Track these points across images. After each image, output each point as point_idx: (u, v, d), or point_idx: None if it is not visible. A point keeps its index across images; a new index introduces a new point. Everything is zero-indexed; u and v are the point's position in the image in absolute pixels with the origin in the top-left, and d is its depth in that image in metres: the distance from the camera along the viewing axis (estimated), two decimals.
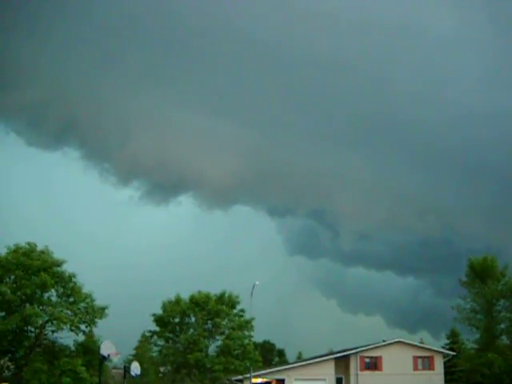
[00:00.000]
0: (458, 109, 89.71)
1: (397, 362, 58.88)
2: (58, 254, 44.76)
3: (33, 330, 43.05)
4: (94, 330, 44.82)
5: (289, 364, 70.16)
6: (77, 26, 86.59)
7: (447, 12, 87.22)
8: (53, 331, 43.70)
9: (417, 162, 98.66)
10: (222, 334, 55.32)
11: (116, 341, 39.06)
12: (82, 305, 44.17)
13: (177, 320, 55.16)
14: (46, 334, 43.92)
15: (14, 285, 42.50)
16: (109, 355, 37.93)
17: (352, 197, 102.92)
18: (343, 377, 59.54)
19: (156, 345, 56.66)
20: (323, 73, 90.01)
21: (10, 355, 43.11)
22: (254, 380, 54.20)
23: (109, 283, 72.11)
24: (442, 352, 61.74)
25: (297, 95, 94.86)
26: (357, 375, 58.50)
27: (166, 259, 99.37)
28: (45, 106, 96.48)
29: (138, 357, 56.17)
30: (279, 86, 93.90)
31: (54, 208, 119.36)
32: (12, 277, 42.90)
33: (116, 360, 43.58)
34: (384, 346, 60.01)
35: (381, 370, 58.74)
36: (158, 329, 55.36)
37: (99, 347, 38.60)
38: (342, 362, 59.70)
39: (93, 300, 44.52)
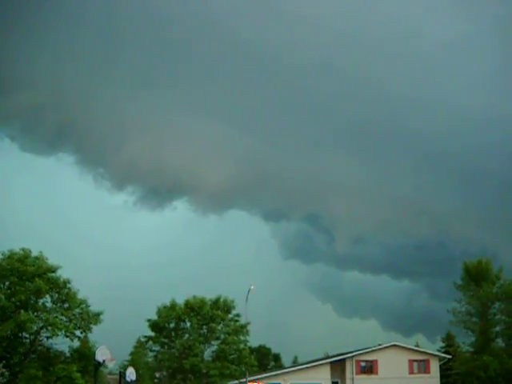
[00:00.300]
0: (454, 114, 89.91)
1: (392, 365, 59.05)
2: (52, 259, 44.65)
3: (27, 336, 42.84)
4: (89, 335, 44.75)
5: (284, 368, 70.29)
6: (72, 30, 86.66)
7: (447, 17, 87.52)
8: (48, 337, 43.50)
9: (412, 166, 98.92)
10: (217, 338, 55.15)
11: (111, 346, 39.13)
12: (77, 311, 44.01)
13: (172, 325, 55.02)
14: (40, 341, 43.73)
15: (9, 291, 42.37)
16: (104, 361, 37.98)
17: (347, 201, 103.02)
18: (339, 381, 59.68)
19: (151, 350, 56.49)
20: (320, 78, 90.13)
21: (4, 362, 42.86)
22: None
23: (104, 286, 72.12)
24: (437, 355, 61.98)
25: (293, 100, 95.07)
26: (353, 379, 58.65)
27: (160, 263, 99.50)
28: (39, 111, 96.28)
29: (133, 362, 56.01)
30: (275, 91, 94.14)
31: (48, 213, 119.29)
32: (6, 283, 42.77)
33: (111, 366, 43.53)
34: (380, 349, 60.18)
35: (377, 373, 58.92)
36: (153, 334, 55.27)
37: (94, 353, 38.58)
38: (337, 365, 59.81)
39: (88, 306, 44.36)
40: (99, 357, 37.47)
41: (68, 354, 44.36)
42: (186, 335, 55.01)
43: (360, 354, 59.86)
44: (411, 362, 59.89)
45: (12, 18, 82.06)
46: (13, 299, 41.72)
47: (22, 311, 42.07)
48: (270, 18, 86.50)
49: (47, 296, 43.73)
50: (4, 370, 43.28)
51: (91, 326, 44.12)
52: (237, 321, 55.68)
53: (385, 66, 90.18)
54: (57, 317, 42.74)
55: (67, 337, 43.13)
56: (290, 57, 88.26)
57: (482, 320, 57.78)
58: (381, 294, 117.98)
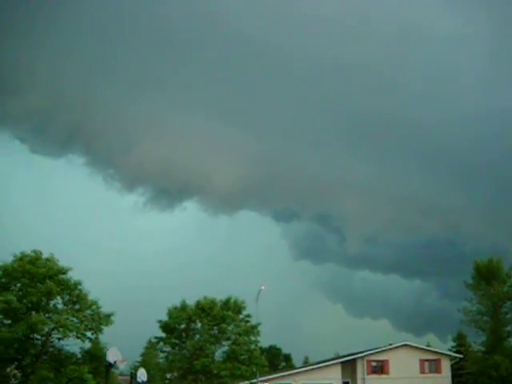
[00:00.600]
0: (463, 108, 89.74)
1: (404, 365, 58.81)
2: (62, 261, 44.91)
3: (39, 337, 43.08)
4: (100, 337, 44.88)
5: (295, 368, 70.11)
6: (79, 32, 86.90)
7: (450, 11, 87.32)
8: (59, 339, 43.77)
9: (421, 164, 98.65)
10: (228, 339, 55.15)
11: (122, 347, 39.17)
12: (88, 312, 44.27)
13: (183, 326, 55.06)
14: (52, 342, 43.95)
15: (20, 293, 42.59)
16: (115, 362, 38.00)
17: (357, 200, 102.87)
18: (350, 381, 59.48)
19: (162, 351, 56.62)
20: (326, 77, 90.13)
21: (16, 363, 43.15)
22: None
23: (114, 290, 72.11)
24: (448, 355, 61.65)
25: (301, 100, 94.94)
26: (364, 379, 58.46)
27: (171, 265, 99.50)
28: (49, 113, 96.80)
29: (144, 363, 56.19)
30: (284, 91, 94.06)
31: (58, 215, 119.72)
32: (18, 285, 43.03)
33: (122, 367, 43.54)
34: (390, 349, 59.93)
35: (388, 373, 58.67)
36: (164, 335, 55.33)
37: (106, 354, 38.66)
38: (348, 366, 59.63)
39: (98, 307, 44.62)
40: (110, 358, 37.52)
41: (79, 356, 44.50)
42: (197, 336, 55.04)
43: (371, 353, 59.66)
44: (422, 361, 59.61)
45: (20, 22, 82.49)
46: (24, 301, 41.98)
47: (33, 313, 42.33)
48: (280, 18, 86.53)
49: (58, 297, 44.00)
50: (16, 372, 43.55)
51: (102, 327, 44.34)
52: (247, 321, 55.72)
53: (395, 63, 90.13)
54: (68, 318, 42.95)
55: (78, 338, 43.36)
56: (301, 56, 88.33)
57: (494, 319, 57.57)
58: (391, 294, 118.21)
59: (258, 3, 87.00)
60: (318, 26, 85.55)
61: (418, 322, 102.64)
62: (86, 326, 43.54)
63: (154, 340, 57.25)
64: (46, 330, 42.39)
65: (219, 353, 54.99)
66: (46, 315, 42.67)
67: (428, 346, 64.84)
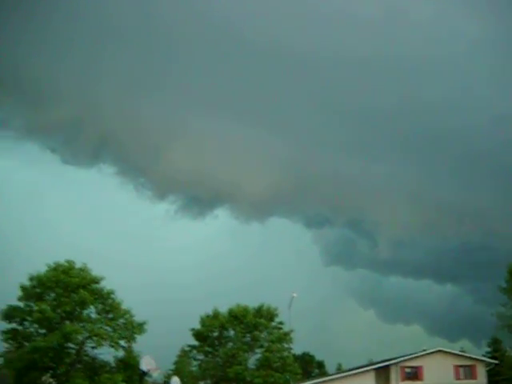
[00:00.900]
0: (495, 112, 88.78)
1: (438, 371, 58.09)
2: (95, 272, 45.36)
3: (73, 346, 43.57)
4: (134, 346, 45.20)
5: (328, 376, 69.76)
6: (112, 43, 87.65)
7: (475, 16, 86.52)
8: (93, 347, 44.25)
9: (454, 167, 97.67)
10: (261, 346, 55.17)
11: (155, 356, 39.22)
12: (121, 321, 44.64)
13: (215, 334, 55.22)
14: (86, 351, 44.43)
15: (54, 302, 43.17)
16: (149, 370, 38.11)
17: (389, 205, 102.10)
18: None
19: (195, 359, 56.83)
20: (359, 82, 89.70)
21: (51, 372, 43.71)
22: None
23: (147, 302, 72.23)
24: (484, 360, 60.81)
25: (332, 105, 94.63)
26: None
27: (203, 275, 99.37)
28: (79, 123, 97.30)
29: (177, 371, 56.36)
30: (315, 97, 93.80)
31: (91, 225, 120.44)
32: (52, 294, 43.63)
33: (156, 375, 43.70)
34: (424, 355, 59.25)
35: (422, 380, 58.01)
36: (197, 343, 55.48)
37: (139, 362, 38.87)
38: (382, 372, 59.12)
39: (132, 316, 44.94)
40: (144, 366, 37.66)
41: (113, 364, 44.92)
42: (230, 344, 55.13)
43: (404, 360, 59.08)
44: (457, 367, 58.86)
45: (51, 33, 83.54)
46: (58, 310, 42.53)
47: (67, 322, 42.81)
48: (304, 19, 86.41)
49: (92, 307, 44.48)
50: (51, 380, 44.07)
51: (135, 335, 44.63)
52: (280, 328, 55.67)
53: (420, 65, 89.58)
54: (101, 327, 43.41)
55: (112, 347, 43.79)
56: (328, 58, 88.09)
57: None
58: (424, 299, 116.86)
59: (291, 6, 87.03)
60: (351, 28, 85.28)
61: (452, 327, 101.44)
62: (120, 334, 43.92)
63: (187, 348, 57.52)
64: (80, 338, 42.89)
65: (252, 360, 55.05)
66: (80, 324, 43.16)
67: (462, 351, 64.07)
